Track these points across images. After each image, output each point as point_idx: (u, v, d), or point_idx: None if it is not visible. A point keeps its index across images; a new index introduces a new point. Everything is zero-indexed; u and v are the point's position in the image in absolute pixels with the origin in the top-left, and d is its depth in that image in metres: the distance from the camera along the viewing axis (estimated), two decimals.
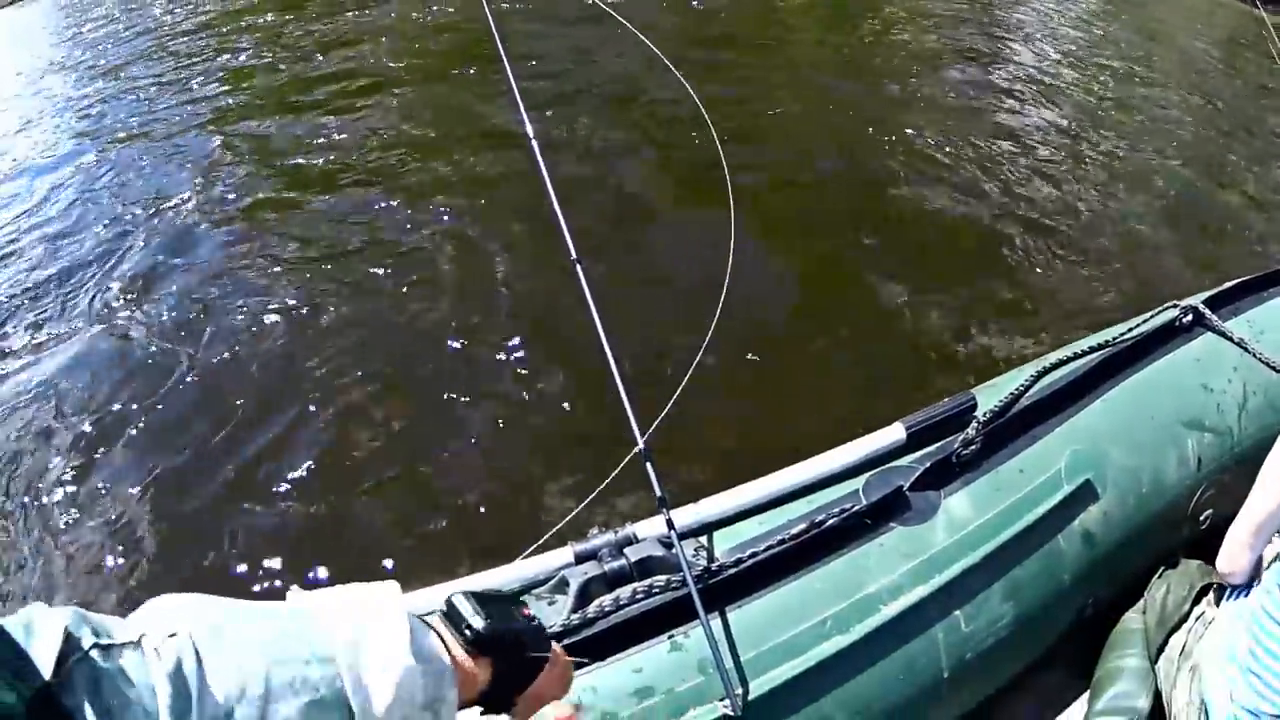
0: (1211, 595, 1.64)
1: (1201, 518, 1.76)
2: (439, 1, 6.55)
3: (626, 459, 1.31)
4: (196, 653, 0.49)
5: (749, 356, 2.87)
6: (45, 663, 0.43)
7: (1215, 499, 1.77)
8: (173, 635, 0.49)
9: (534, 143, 1.45)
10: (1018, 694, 1.66)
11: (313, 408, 2.67)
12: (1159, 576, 1.74)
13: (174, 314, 3.16)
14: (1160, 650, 1.65)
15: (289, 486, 2.43)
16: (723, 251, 2.32)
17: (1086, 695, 1.73)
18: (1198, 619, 1.63)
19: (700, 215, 3.68)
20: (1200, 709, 1.48)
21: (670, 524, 1.18)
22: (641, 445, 1.22)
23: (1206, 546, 1.72)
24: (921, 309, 3.19)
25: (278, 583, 2.16)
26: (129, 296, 3.32)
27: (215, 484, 2.43)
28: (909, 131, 4.66)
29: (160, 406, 2.73)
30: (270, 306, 3.15)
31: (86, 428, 2.67)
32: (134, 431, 2.64)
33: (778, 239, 3.63)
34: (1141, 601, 1.74)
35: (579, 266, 1.29)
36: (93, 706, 0.44)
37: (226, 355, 2.92)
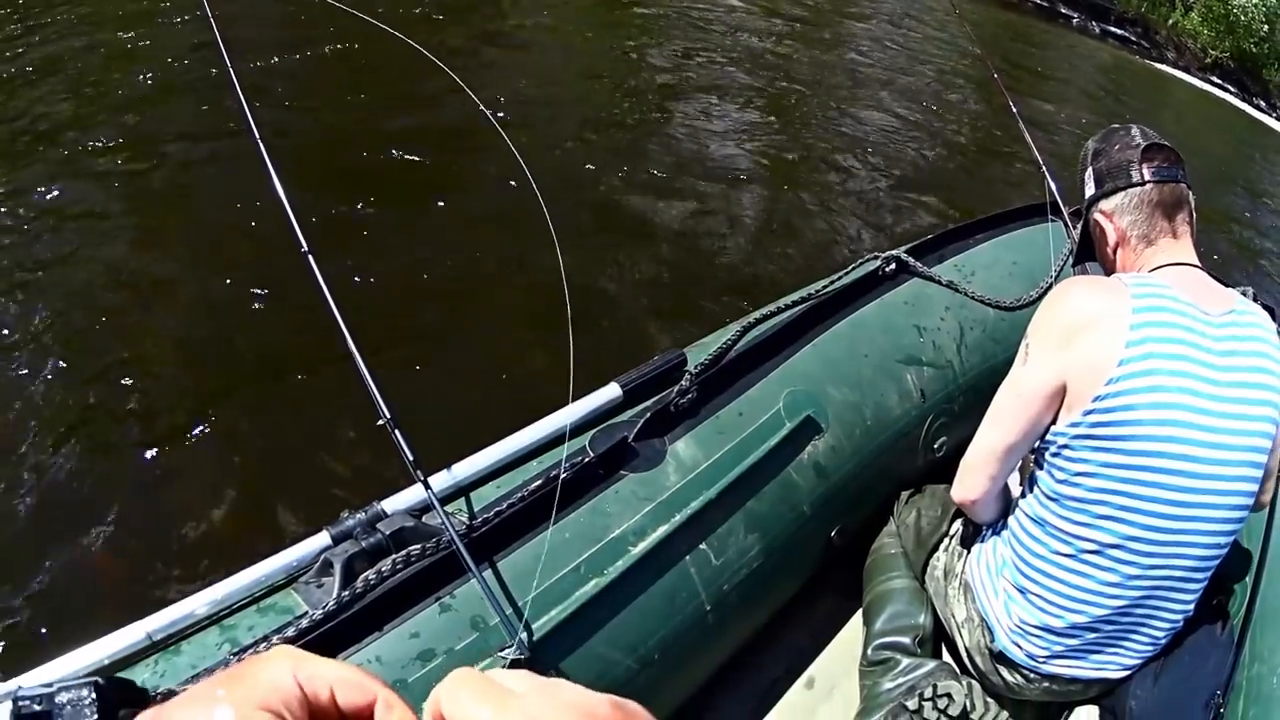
0: (964, 518, 1.71)
1: (937, 445, 1.91)
2: None
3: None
4: None
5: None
6: None
7: (948, 427, 1.92)
8: None
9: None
10: (787, 623, 1.77)
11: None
12: (905, 502, 1.84)
13: None
14: (924, 571, 1.74)
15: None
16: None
17: (857, 618, 1.88)
18: (953, 538, 1.72)
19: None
20: (981, 625, 1.55)
21: (428, 486, 1.23)
22: (388, 415, 1.24)
23: (947, 473, 1.81)
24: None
25: None
26: None
27: None
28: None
29: None
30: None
31: None
32: None
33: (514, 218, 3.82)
34: (891, 524, 1.84)
35: (310, 258, 1.31)
36: None
37: None
